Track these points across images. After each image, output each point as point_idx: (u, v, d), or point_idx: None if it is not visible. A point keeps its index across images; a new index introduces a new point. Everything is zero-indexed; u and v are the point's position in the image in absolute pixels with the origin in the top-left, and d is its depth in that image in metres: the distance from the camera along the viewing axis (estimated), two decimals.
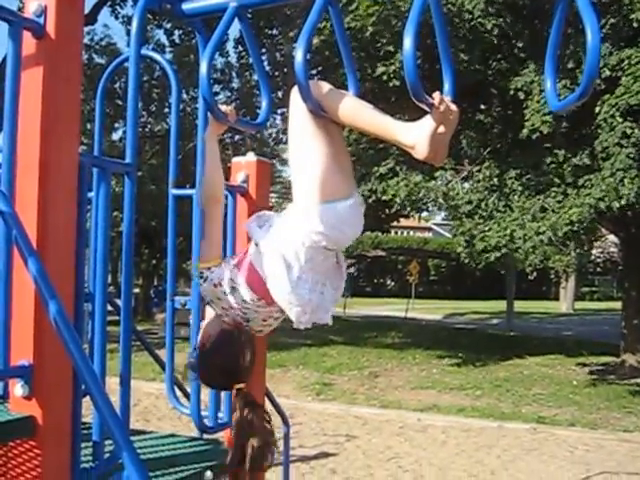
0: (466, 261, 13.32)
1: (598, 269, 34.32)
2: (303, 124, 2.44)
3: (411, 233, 57.20)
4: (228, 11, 2.71)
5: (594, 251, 34.24)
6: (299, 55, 2.40)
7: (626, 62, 9.84)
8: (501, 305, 27.50)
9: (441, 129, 2.29)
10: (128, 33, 18.61)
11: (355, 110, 2.47)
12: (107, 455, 2.70)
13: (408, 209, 12.87)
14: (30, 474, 2.25)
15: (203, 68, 2.61)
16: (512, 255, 11.98)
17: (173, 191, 3.52)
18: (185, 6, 2.88)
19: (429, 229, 60.92)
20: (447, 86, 2.44)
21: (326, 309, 2.58)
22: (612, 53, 10.03)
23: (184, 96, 18.35)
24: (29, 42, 2.26)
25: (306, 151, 2.44)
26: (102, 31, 20.47)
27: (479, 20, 10.80)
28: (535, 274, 14.67)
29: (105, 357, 2.65)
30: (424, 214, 21.19)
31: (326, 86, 2.51)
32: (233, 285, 2.56)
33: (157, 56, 3.55)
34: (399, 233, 55.58)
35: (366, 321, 23.80)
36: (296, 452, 7.01)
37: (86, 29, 16.38)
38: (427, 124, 2.29)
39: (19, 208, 2.14)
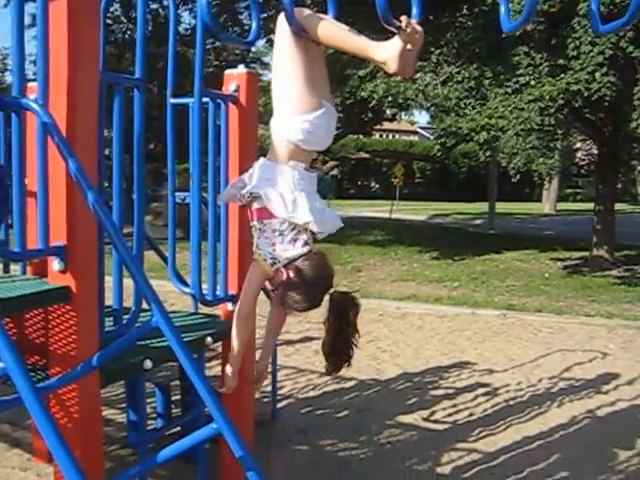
0: (438, 153, 13.73)
1: (582, 171, 34.85)
2: (286, 46, 2.89)
3: (397, 136, 57.32)
4: None
5: (578, 153, 34.63)
6: None
7: None
8: (485, 207, 28.05)
9: (408, 47, 2.74)
10: None
11: (332, 31, 2.91)
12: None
13: (387, 106, 13.18)
14: (67, 332, 2.80)
15: None
16: (496, 144, 12.38)
17: (171, 100, 3.94)
18: None
19: (415, 132, 61.00)
20: (415, 10, 2.86)
21: (330, 217, 3.12)
22: None
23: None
24: None
25: (286, 70, 2.90)
26: None
27: None
28: (518, 176, 15.08)
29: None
30: (405, 116, 21.47)
31: (307, 11, 2.96)
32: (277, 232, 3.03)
33: None
34: (385, 136, 55.67)
35: (350, 221, 24.25)
36: (283, 337, 7.60)
37: None
38: (396, 43, 2.73)
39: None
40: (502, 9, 2.75)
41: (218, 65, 20.11)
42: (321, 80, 3.01)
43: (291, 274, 3.03)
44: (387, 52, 2.74)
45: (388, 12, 2.53)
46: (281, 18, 2.89)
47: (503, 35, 10.58)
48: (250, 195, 3.08)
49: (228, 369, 3.32)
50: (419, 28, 2.66)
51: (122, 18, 20.99)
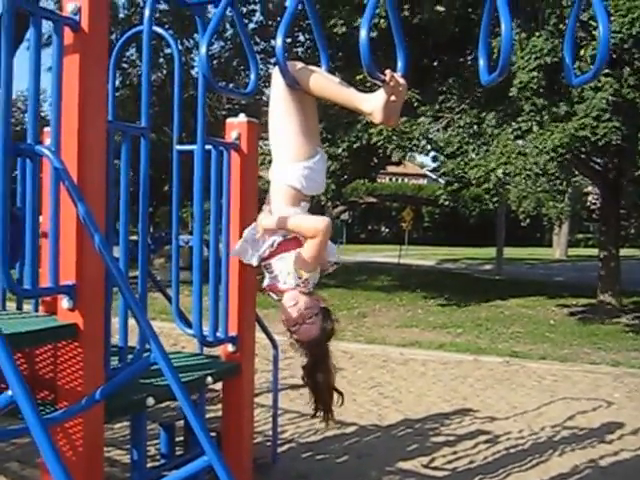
0: (446, 203, 14.01)
1: (593, 215, 34.99)
2: (282, 97, 3.11)
3: (406, 180, 57.69)
4: (223, 0, 3.35)
5: (589, 197, 34.79)
6: (279, 41, 3.03)
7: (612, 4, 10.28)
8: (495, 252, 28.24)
9: (392, 98, 2.96)
10: None
11: (323, 84, 3.13)
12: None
13: (392, 147, 13.42)
14: (74, 367, 2.99)
15: (203, 50, 3.27)
16: (504, 192, 12.60)
17: (177, 147, 4.17)
18: None
19: (424, 176, 61.34)
20: (400, 64, 3.10)
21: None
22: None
23: (179, 47, 18.68)
24: (68, 35, 2.93)
25: (282, 120, 3.12)
26: None
27: None
28: (528, 221, 15.20)
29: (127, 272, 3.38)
30: (410, 159, 21.70)
31: (300, 65, 3.18)
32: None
33: (163, 32, 4.20)
34: (394, 180, 56.05)
35: (358, 266, 24.51)
36: (287, 381, 7.76)
37: None
38: (380, 95, 2.96)
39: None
40: (481, 63, 2.95)
41: (231, 109, 20.50)
42: (314, 128, 3.23)
43: (304, 312, 3.11)
44: (373, 103, 2.96)
45: (373, 67, 2.76)
46: (276, 71, 3.11)
47: (513, 89, 10.94)
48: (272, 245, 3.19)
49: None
50: (402, 81, 2.88)
51: (138, 62, 21.44)
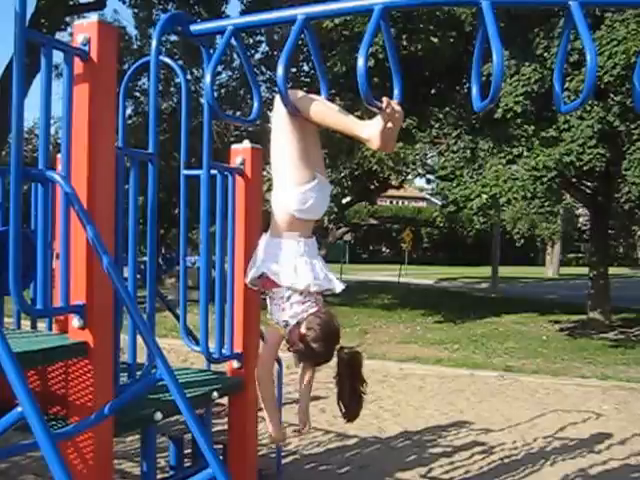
0: (442, 223, 14.04)
1: (584, 236, 35.01)
2: (283, 124, 3.10)
3: (405, 203, 57.73)
4: (226, 32, 3.34)
5: (580, 219, 34.81)
6: (280, 70, 3.03)
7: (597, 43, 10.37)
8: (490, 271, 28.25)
9: (389, 125, 2.94)
10: (136, 17, 19.20)
11: (323, 111, 3.12)
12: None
13: (387, 170, 13.42)
14: (85, 384, 2.95)
15: (208, 79, 3.26)
16: (493, 211, 12.60)
17: (184, 172, 4.15)
18: (193, 28, 3.50)
19: (423, 199, 61.39)
20: (396, 91, 3.09)
21: (329, 278, 3.25)
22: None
23: (188, 76, 18.86)
24: (78, 65, 2.92)
25: (282, 146, 3.10)
26: (111, 15, 21.20)
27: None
28: (523, 241, 15.23)
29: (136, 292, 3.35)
30: (407, 182, 21.80)
31: (301, 93, 3.17)
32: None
33: (171, 62, 4.19)
34: (394, 203, 56.12)
35: (360, 285, 24.47)
36: (291, 396, 7.69)
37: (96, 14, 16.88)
38: (377, 122, 2.94)
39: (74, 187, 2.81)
40: (474, 90, 2.95)
41: (238, 135, 20.58)
42: (315, 154, 3.21)
43: (302, 332, 3.16)
44: (370, 130, 2.93)
45: (370, 94, 2.74)
46: (277, 99, 3.10)
47: (499, 110, 10.96)
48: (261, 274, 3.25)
49: (268, 423, 3.42)
50: (398, 108, 2.86)
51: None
